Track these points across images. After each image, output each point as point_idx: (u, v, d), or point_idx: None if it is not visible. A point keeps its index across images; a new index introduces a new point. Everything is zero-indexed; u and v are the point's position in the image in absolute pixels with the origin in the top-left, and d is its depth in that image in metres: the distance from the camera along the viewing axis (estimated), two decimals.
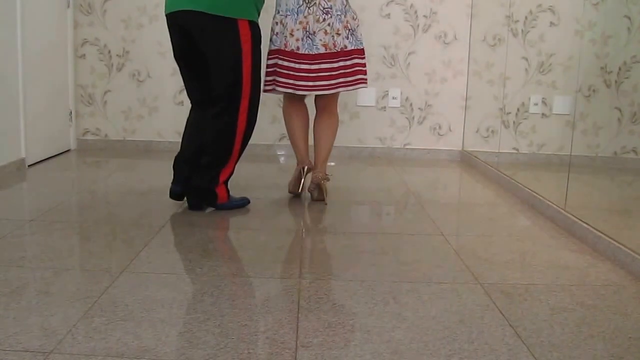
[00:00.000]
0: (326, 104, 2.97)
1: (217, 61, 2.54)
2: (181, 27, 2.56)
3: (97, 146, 4.28)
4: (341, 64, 2.81)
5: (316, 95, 2.94)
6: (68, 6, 4.05)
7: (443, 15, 4.19)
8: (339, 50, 2.78)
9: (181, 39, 2.60)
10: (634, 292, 1.93)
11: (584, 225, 2.44)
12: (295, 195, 3.04)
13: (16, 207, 2.74)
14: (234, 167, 2.71)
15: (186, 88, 2.77)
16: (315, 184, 2.90)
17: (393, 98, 4.27)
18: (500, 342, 1.56)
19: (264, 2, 2.66)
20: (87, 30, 4.16)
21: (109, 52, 4.19)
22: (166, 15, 2.61)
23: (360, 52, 2.87)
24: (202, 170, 2.67)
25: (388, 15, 4.19)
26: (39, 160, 3.69)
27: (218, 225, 2.56)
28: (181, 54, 2.65)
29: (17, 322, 1.57)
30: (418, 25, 4.20)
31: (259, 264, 2.09)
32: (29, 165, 3.55)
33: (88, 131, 4.29)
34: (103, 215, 2.64)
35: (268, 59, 2.86)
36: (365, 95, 4.26)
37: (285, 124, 3.05)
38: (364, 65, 2.88)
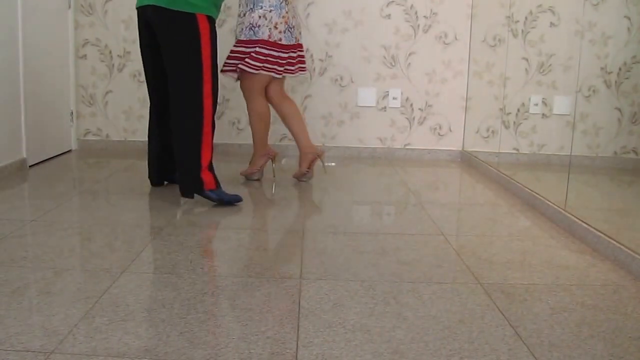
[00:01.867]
0: (282, 89, 3.37)
1: (177, 51, 2.75)
2: (146, 21, 2.81)
3: (98, 146, 4.29)
4: (301, 53, 3.34)
5: (273, 84, 3.29)
6: (69, 7, 4.05)
7: (443, 15, 4.19)
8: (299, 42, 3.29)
9: (146, 32, 2.84)
10: (634, 292, 1.94)
11: (584, 225, 2.44)
12: (254, 179, 3.42)
13: (17, 207, 2.74)
14: (212, 151, 2.81)
15: (148, 81, 3.03)
16: (314, 160, 3.35)
17: (393, 98, 4.27)
18: (500, 342, 1.56)
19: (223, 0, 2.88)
20: (88, 31, 4.17)
21: (110, 52, 4.19)
22: (136, 9, 2.85)
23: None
24: (182, 159, 2.79)
25: (388, 16, 4.19)
26: (40, 160, 3.70)
27: (218, 225, 2.57)
28: (146, 46, 2.90)
29: (19, 322, 1.58)
30: (418, 26, 4.21)
31: (259, 264, 2.09)
32: (30, 166, 3.55)
33: (89, 131, 4.30)
34: (104, 215, 2.64)
35: (247, 46, 3.16)
36: (366, 96, 4.26)
37: (263, 118, 3.33)
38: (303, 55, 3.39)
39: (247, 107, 3.32)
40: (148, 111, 4.22)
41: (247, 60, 3.15)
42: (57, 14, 3.89)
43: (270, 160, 3.47)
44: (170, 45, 2.76)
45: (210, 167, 2.80)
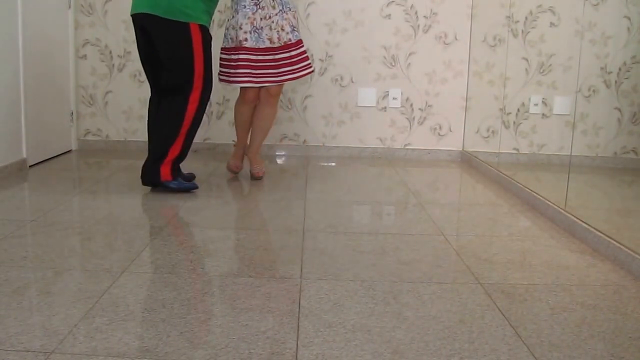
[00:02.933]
0: None
1: (171, 58, 2.86)
2: (141, 27, 2.88)
3: (98, 147, 4.29)
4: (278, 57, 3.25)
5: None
6: (69, 7, 4.05)
7: (443, 15, 4.19)
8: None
9: (142, 37, 2.91)
10: (634, 292, 1.94)
11: (584, 225, 2.44)
12: (234, 173, 3.51)
13: (17, 207, 2.74)
14: (183, 149, 2.96)
15: (147, 79, 3.09)
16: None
17: (393, 98, 4.27)
18: (500, 342, 1.56)
19: (215, 6, 2.95)
20: (88, 31, 4.17)
21: (110, 52, 4.19)
22: (131, 16, 2.92)
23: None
24: (151, 149, 2.97)
25: (389, 16, 4.19)
26: (40, 160, 3.70)
27: (218, 225, 2.57)
28: (143, 50, 2.96)
29: (19, 322, 1.58)
30: (418, 26, 4.21)
31: (259, 264, 2.09)
32: (30, 166, 3.55)
33: (89, 132, 4.30)
34: (104, 215, 2.64)
35: (295, 49, 3.18)
36: (366, 96, 4.26)
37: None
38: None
39: (271, 112, 3.32)
40: (147, 111, 4.24)
41: (303, 65, 3.19)
42: (57, 13, 3.89)
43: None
44: (164, 51, 2.86)
45: (174, 163, 2.97)
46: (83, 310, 1.67)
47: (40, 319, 1.60)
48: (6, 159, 3.30)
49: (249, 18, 3.08)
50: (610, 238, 2.25)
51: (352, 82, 4.25)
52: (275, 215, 2.78)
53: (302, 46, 3.20)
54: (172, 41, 2.83)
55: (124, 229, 2.45)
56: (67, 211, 2.69)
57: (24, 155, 3.50)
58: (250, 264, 2.10)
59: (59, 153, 4.01)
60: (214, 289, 1.85)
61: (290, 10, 3.13)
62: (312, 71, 3.27)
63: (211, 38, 2.94)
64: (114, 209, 2.77)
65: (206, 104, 2.99)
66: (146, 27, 2.85)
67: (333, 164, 4.05)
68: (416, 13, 4.19)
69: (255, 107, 3.35)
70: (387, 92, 4.27)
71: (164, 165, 2.96)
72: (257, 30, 3.08)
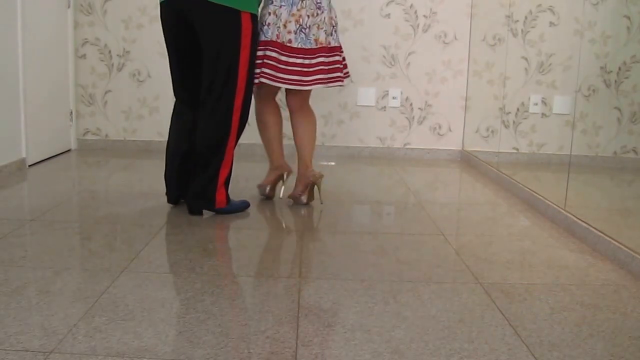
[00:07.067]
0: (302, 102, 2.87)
1: (215, 53, 2.47)
2: (179, 14, 2.49)
3: (97, 146, 4.29)
4: (331, 59, 2.73)
5: (290, 93, 2.82)
6: (68, 6, 4.05)
7: (443, 15, 4.19)
8: (326, 46, 2.70)
9: (178, 28, 2.54)
10: (634, 291, 1.93)
11: (584, 225, 2.44)
12: (267, 198, 2.94)
13: (17, 207, 2.74)
14: (231, 166, 2.64)
15: (174, 86, 2.69)
16: (310, 184, 2.82)
17: (393, 98, 4.27)
18: (500, 342, 1.56)
19: None
20: (87, 30, 4.16)
21: (110, 52, 4.19)
22: (162, 4, 2.55)
23: (340, 49, 2.79)
24: (199, 173, 2.59)
25: (388, 15, 4.19)
26: (39, 160, 3.69)
27: (218, 225, 2.56)
28: (177, 46, 2.59)
29: (18, 321, 1.58)
30: (418, 25, 4.20)
31: (259, 264, 2.09)
32: (29, 165, 3.55)
33: (88, 131, 4.29)
34: (103, 215, 2.64)
35: (341, 53, 2.80)
36: (365, 95, 4.26)
37: (263, 126, 2.91)
38: (341, 62, 2.80)
39: (308, 118, 2.85)
40: (147, 111, 4.24)
41: (342, 71, 2.78)
42: (56, 13, 3.89)
43: (283, 177, 3.01)
44: (207, 44, 2.48)
45: (226, 183, 2.63)
46: (82, 309, 1.66)
47: (39, 319, 1.60)
48: (5, 158, 3.30)
49: (293, 15, 2.63)
50: (610, 238, 2.25)
51: (352, 81, 4.24)
52: (275, 215, 2.77)
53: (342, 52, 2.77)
54: (219, 31, 2.43)
55: (123, 228, 2.45)
56: (66, 211, 2.68)
57: (23, 155, 3.49)
58: (250, 264, 2.09)
59: (58, 152, 4.01)
60: (213, 289, 1.85)
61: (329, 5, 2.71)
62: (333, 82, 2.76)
63: (259, 33, 2.58)
64: (113, 208, 2.76)
65: (249, 111, 2.60)
66: (187, 14, 2.46)
67: (332, 163, 4.05)
68: (416, 12, 4.19)
69: (279, 113, 2.89)
70: (387, 91, 4.27)
71: (219, 191, 2.59)
72: (303, 30, 2.64)
